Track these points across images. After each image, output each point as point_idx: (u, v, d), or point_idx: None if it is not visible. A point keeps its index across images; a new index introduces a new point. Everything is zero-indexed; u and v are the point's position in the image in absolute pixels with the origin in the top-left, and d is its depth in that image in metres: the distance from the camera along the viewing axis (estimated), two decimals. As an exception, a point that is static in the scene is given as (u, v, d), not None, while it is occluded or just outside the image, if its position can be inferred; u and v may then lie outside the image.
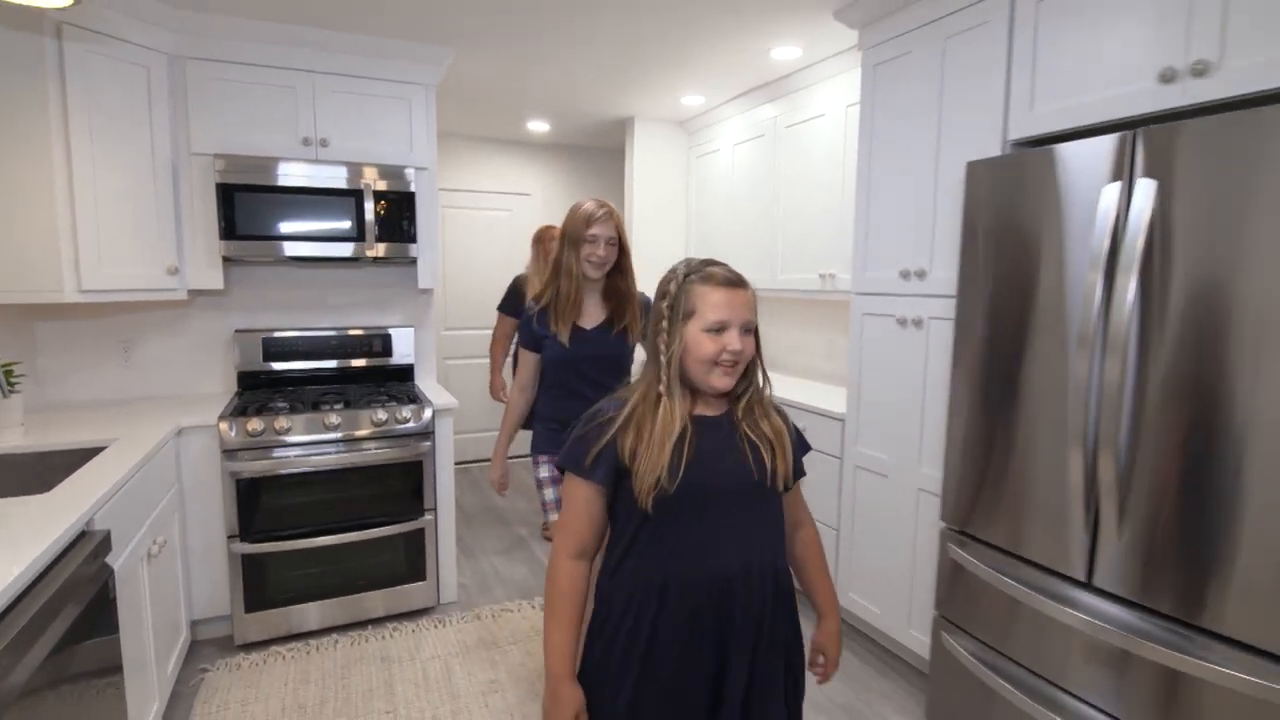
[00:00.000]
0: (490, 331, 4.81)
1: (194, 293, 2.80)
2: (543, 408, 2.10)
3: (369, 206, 2.75)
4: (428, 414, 2.72)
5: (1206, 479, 1.36)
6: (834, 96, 2.99)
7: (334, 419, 2.56)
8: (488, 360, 4.85)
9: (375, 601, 2.69)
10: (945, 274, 2.12)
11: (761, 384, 1.18)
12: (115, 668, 1.59)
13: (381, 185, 2.76)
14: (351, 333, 3.09)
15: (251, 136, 2.63)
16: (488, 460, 5.07)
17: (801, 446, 1.23)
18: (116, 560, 1.64)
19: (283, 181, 2.63)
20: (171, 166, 2.52)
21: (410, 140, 2.88)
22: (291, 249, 2.66)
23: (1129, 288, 1.43)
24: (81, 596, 1.39)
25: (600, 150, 5.12)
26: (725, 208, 3.88)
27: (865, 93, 2.44)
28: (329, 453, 2.55)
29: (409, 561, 2.73)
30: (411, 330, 3.19)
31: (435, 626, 2.70)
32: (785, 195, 3.34)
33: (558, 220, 4.70)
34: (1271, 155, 1.26)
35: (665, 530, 1.10)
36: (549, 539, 3.36)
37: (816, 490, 2.72)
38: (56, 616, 1.27)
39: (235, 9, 2.45)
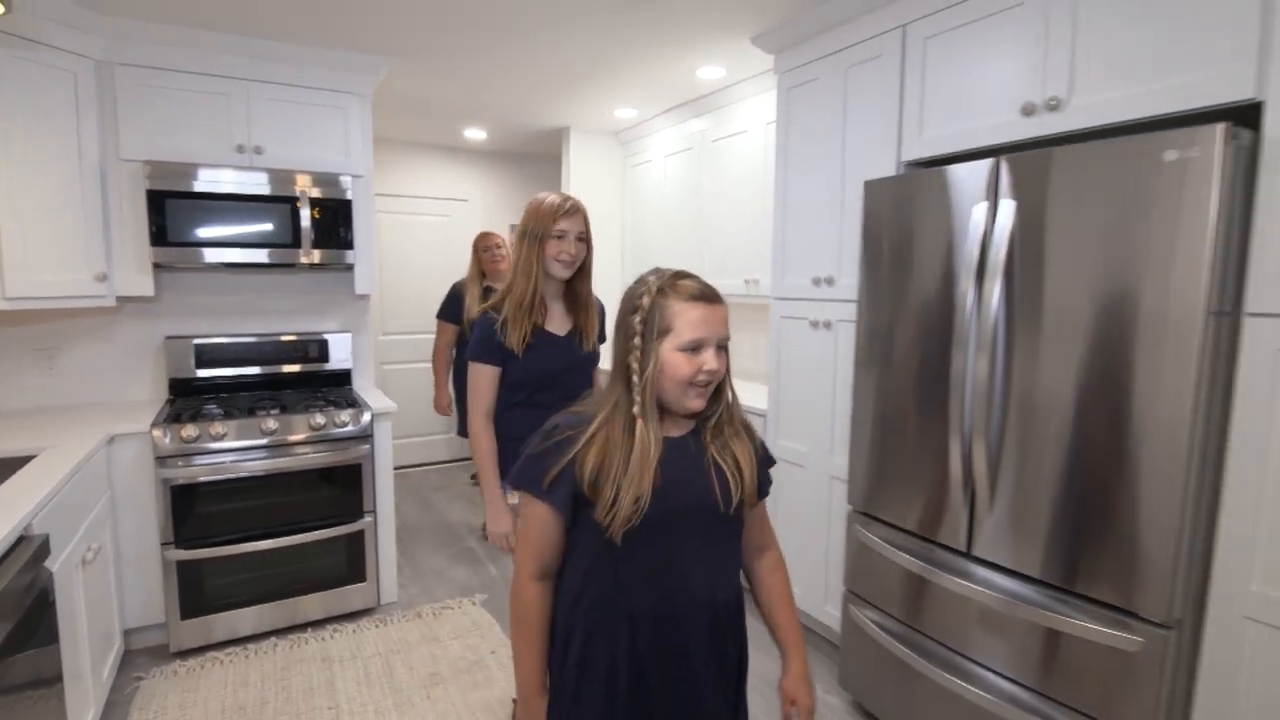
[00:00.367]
0: (432, 336, 4.90)
1: (123, 299, 2.76)
2: (510, 427, 1.79)
3: (304, 213, 2.78)
4: (366, 418, 2.77)
5: (1061, 460, 1.59)
6: (755, 114, 3.19)
7: (271, 424, 2.59)
8: (428, 365, 4.91)
9: (315, 604, 2.72)
10: (851, 281, 2.33)
11: (731, 400, 1.13)
12: (56, 676, 1.61)
13: (317, 192, 2.80)
14: (287, 338, 3.10)
15: (183, 143, 2.63)
16: (427, 464, 5.09)
17: (766, 461, 1.18)
18: (54, 564, 1.66)
19: (215, 188, 2.64)
20: (100, 172, 2.50)
21: (346, 148, 2.93)
22: (224, 255, 2.67)
23: (994, 293, 1.66)
24: (21, 602, 1.42)
25: (538, 157, 5.22)
26: (658, 216, 4.05)
27: (780, 113, 2.64)
28: (265, 458, 2.57)
29: (349, 563, 2.77)
30: (349, 335, 3.23)
31: (376, 626, 2.75)
32: (713, 205, 3.53)
33: (496, 227, 4.78)
34: (1094, 182, 1.49)
35: (630, 558, 1.05)
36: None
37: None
38: None
39: (165, 16, 2.46)
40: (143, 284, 2.63)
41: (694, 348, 1.02)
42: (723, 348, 1.06)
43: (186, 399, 2.89)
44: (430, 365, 3.87)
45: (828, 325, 2.43)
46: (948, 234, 1.83)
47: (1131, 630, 1.48)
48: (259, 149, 2.74)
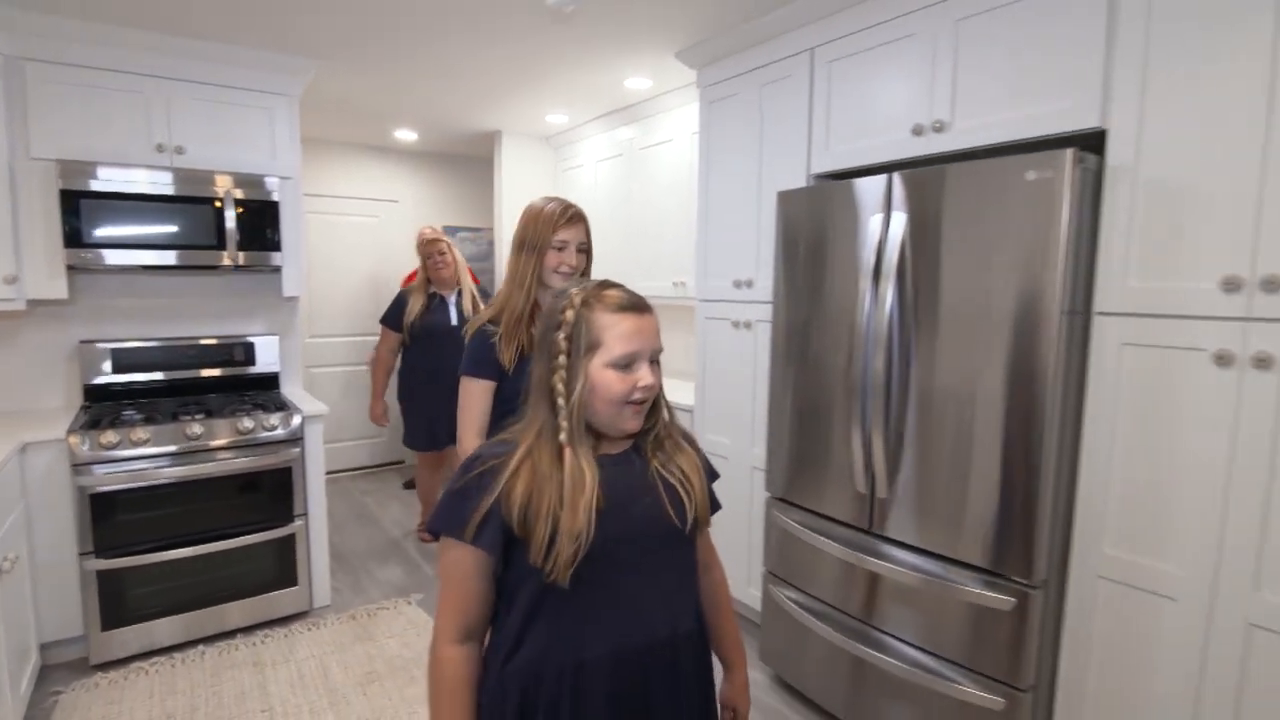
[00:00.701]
0: (361, 339, 4.86)
1: (34, 303, 2.66)
2: None
3: (229, 215, 2.75)
4: (296, 420, 2.76)
5: (946, 445, 1.79)
6: (681, 124, 3.34)
7: (196, 429, 2.55)
8: (356, 368, 4.86)
9: (245, 610, 2.69)
10: (768, 283, 2.50)
11: (669, 415, 1.05)
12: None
13: (241, 194, 2.77)
14: (212, 342, 3.05)
15: (99, 142, 2.56)
16: (357, 469, 5.02)
17: (710, 475, 1.10)
18: (-30, 574, 1.62)
19: (133, 188, 2.57)
20: (9, 171, 2.41)
21: (273, 149, 2.90)
22: (142, 257, 2.61)
23: (888, 295, 1.85)
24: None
25: (470, 159, 5.23)
26: (591, 220, 4.14)
27: (703, 125, 2.79)
28: (190, 463, 2.53)
29: (280, 568, 2.75)
30: (276, 338, 3.19)
31: (309, 630, 2.74)
32: (642, 210, 3.66)
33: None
34: (970, 197, 1.69)
35: (576, 600, 0.93)
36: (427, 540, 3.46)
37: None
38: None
39: (78, 12, 2.39)
40: (55, 287, 2.54)
41: (626, 363, 0.93)
42: (655, 361, 0.98)
43: (103, 405, 2.80)
44: (369, 370, 3.84)
45: (748, 325, 2.59)
46: (852, 241, 2.01)
47: (1006, 591, 1.68)
48: (180, 149, 2.69)
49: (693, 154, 3.25)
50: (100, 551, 2.40)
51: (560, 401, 0.94)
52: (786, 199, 2.22)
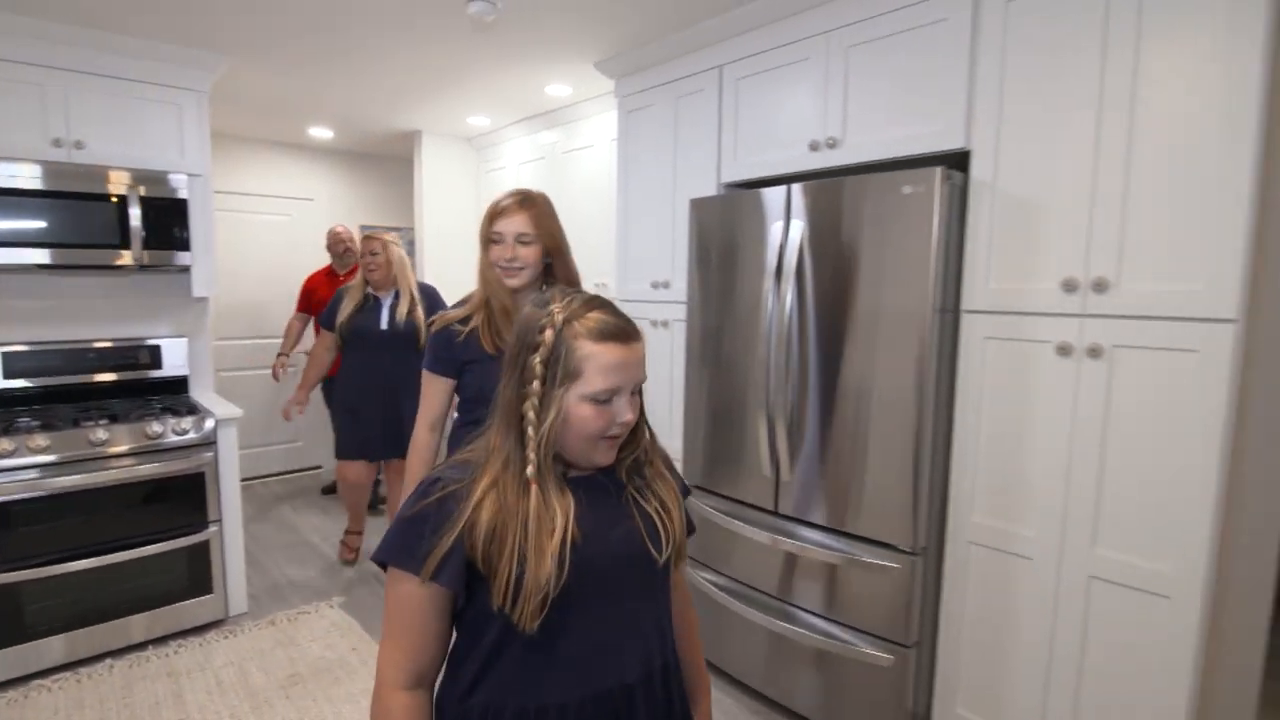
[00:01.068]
0: (275, 341, 4.70)
1: (-91, 304, 2.49)
2: (456, 446, 1.67)
3: (134, 213, 2.66)
4: (209, 424, 2.70)
5: (839, 430, 1.98)
6: (601, 131, 3.45)
7: (100, 434, 2.46)
8: (268, 371, 4.70)
9: (157, 621, 2.60)
10: (683, 284, 2.65)
11: (649, 440, 0.97)
12: None
13: (147, 191, 2.68)
14: (115, 345, 2.92)
15: (-15, 134, 2.43)
16: (272, 475, 4.87)
17: (683, 492, 1.02)
18: None
19: (26, 184, 2.46)
20: (-119, 164, 2.26)
21: (181, 145, 2.82)
22: (38, 256, 2.50)
23: (788, 296, 2.02)
24: None
25: (390, 158, 5.17)
26: (512, 221, 4.20)
27: (621, 133, 2.92)
28: (93, 470, 2.44)
29: (193, 576, 2.68)
30: (185, 341, 3.09)
31: (226, 638, 2.68)
32: (566, 213, 3.71)
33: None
34: (858, 207, 1.89)
35: (541, 642, 0.85)
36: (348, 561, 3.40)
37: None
38: None
39: (-38, -3, 2.27)
40: (-63, 287, 2.40)
41: (606, 398, 0.85)
42: (637, 391, 0.90)
43: (-8, 412, 2.65)
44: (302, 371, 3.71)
45: (665, 324, 2.74)
46: (759, 246, 2.18)
47: (892, 559, 1.88)
48: (80, 144, 2.58)
49: (613, 159, 3.36)
50: (-7, 565, 2.28)
51: (530, 431, 0.85)
52: (699, 206, 2.38)
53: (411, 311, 3.06)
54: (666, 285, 2.73)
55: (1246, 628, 1.95)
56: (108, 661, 2.49)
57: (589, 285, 3.58)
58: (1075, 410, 1.67)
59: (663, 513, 0.94)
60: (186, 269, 2.86)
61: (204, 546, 2.70)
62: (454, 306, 1.71)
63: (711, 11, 2.37)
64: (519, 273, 1.57)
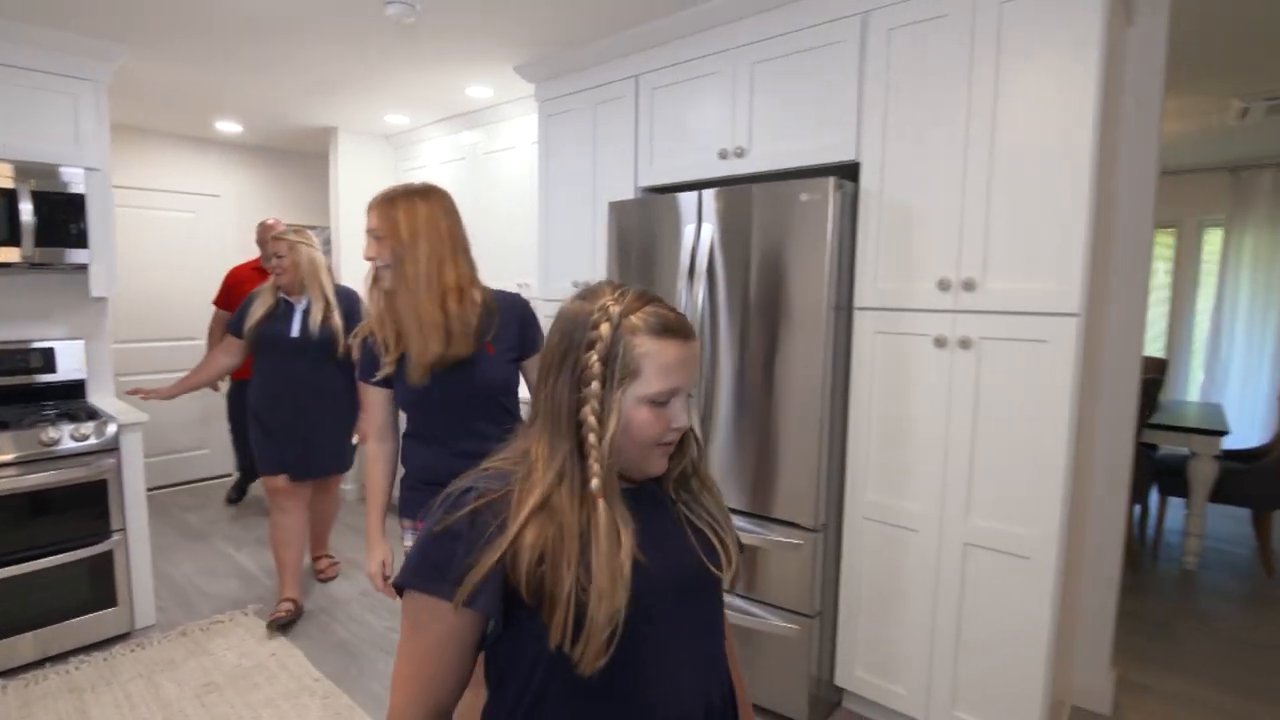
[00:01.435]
0: (177, 343, 4.49)
1: None
2: (404, 457, 1.65)
3: (25, 208, 2.52)
4: (111, 430, 2.59)
5: (749, 420, 2.13)
6: (522, 133, 3.51)
7: (-12, 442, 2.33)
8: (170, 376, 4.48)
9: (57, 636, 2.48)
10: (604, 284, 2.75)
11: (698, 452, 0.90)
12: None
13: (39, 185, 2.55)
14: (3, 348, 2.75)
15: None
16: (177, 484, 4.65)
17: None
18: None
19: (-102, 176, 2.30)
20: None
21: (77, 137, 2.69)
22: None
23: (700, 293, 2.16)
24: None
25: (302, 154, 5.03)
26: (433, 221, 4.18)
27: (541, 136, 2.99)
28: (-16, 479, 2.31)
29: (95, 588, 2.57)
30: (81, 343, 2.94)
31: (133, 651, 2.58)
32: (488, 213, 3.78)
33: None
34: (762, 212, 2.04)
35: (596, 678, 0.73)
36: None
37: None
38: None
39: None
40: None
41: (664, 400, 0.78)
42: (690, 395, 0.83)
43: None
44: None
45: (587, 322, 2.83)
46: (674, 247, 2.30)
47: (797, 536, 2.05)
48: (-40, 134, 2.43)
49: (535, 161, 3.43)
50: None
51: (592, 439, 0.76)
52: (618, 209, 2.48)
53: (327, 318, 2.71)
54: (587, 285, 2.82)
55: (1101, 580, 2.23)
56: (0, 682, 2.35)
57: (512, 286, 3.62)
58: (950, 395, 1.87)
59: (716, 527, 0.87)
60: (84, 267, 2.73)
61: (107, 557, 2.59)
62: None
63: (626, 24, 2.48)
64: (382, 270, 1.53)
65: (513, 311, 1.58)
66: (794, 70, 2.13)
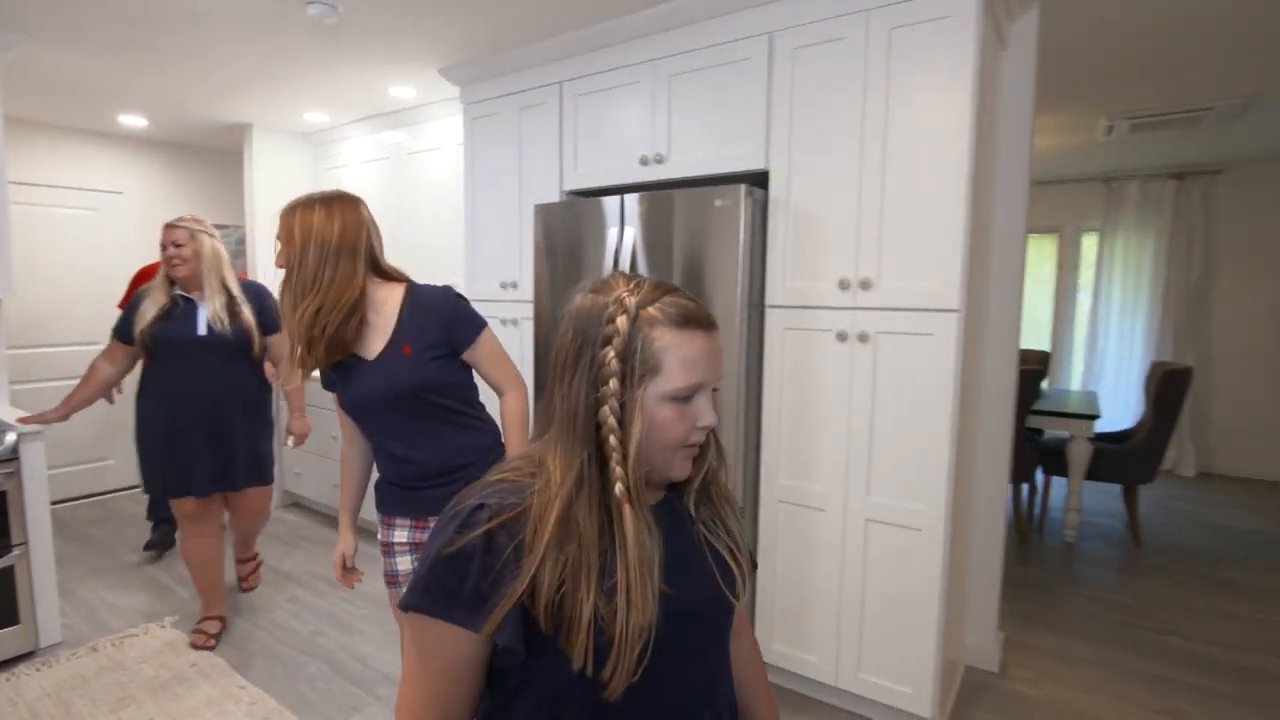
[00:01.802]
0: (75, 348, 4.25)
1: None
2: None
3: (-94, 205, 2.37)
4: (10, 439, 2.47)
5: (670, 410, 2.25)
6: (447, 134, 3.52)
7: None
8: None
9: (-53, 658, 2.35)
10: (530, 284, 2.82)
11: (718, 460, 0.84)
12: None
13: (-77, 181, 2.40)
14: (-121, 354, 2.57)
15: None
16: (82, 498, 4.39)
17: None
18: None
19: None
20: None
21: (-37, 132, 2.55)
22: None
23: (624, 294, 2.27)
24: None
25: (214, 151, 4.84)
26: (356, 221, 4.12)
27: (467, 139, 3.03)
28: None
29: (-6, 605, 2.44)
30: (-29, 348, 2.78)
31: (39, 670, 2.47)
32: (413, 214, 3.77)
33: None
34: (682, 217, 2.17)
35: (609, 704, 0.71)
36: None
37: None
38: None
39: None
40: None
41: (688, 396, 0.73)
42: (714, 390, 0.78)
43: None
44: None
45: (515, 322, 2.89)
46: (599, 249, 2.40)
47: (716, 521, 2.18)
48: None
49: (461, 162, 3.45)
50: None
51: (614, 441, 0.71)
52: (544, 211, 2.56)
53: (237, 314, 2.50)
54: (515, 285, 2.88)
55: (988, 551, 2.47)
56: (-114, 709, 2.21)
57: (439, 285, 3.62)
58: (851, 385, 2.05)
59: (735, 549, 0.82)
60: (-26, 268, 2.58)
61: (8, 573, 2.47)
62: None
63: (549, 33, 2.56)
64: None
65: (432, 309, 1.53)
66: (708, 83, 2.26)
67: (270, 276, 4.00)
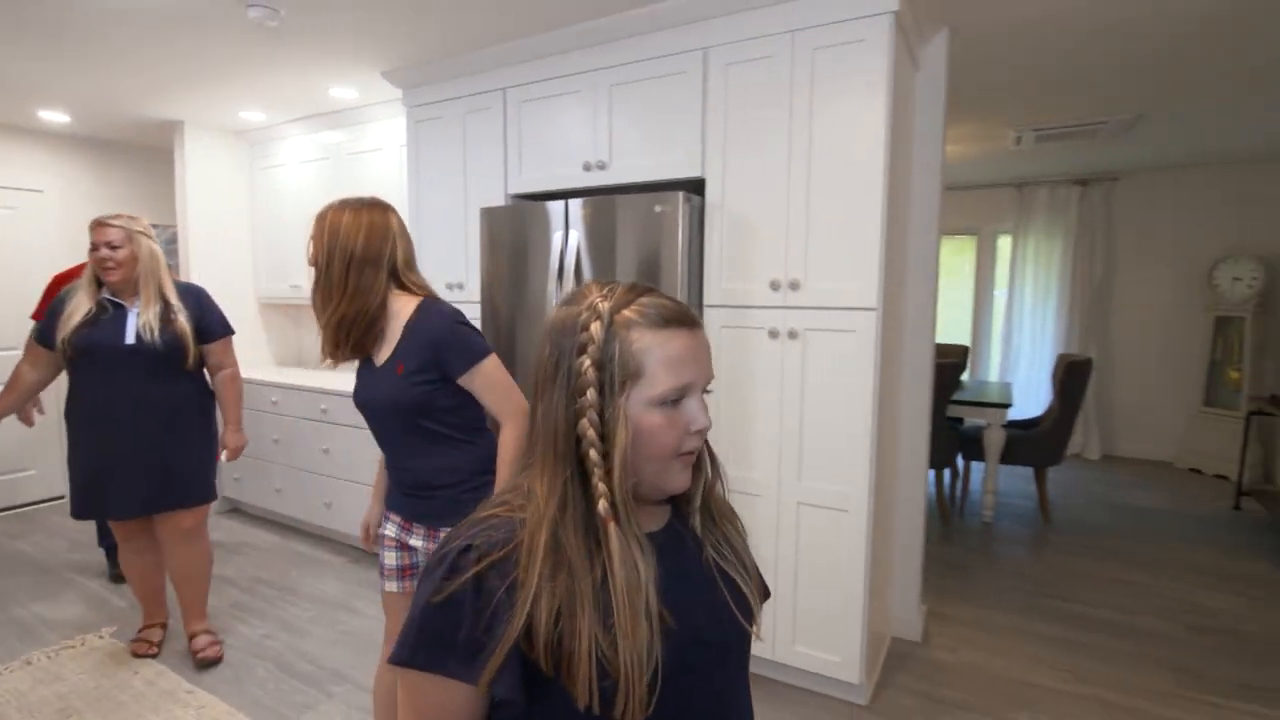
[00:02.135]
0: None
1: None
2: None
3: None
4: (-69, 448, 2.38)
5: (615, 405, 2.36)
6: (390, 135, 3.54)
7: None
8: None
9: None
10: (477, 286, 2.88)
11: (710, 471, 0.79)
12: None
13: None
14: None
15: None
16: (2, 510, 4.20)
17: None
18: None
19: None
20: None
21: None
22: None
23: (569, 295, 2.37)
24: None
25: (143, 149, 4.68)
26: (296, 220, 4.07)
27: (410, 142, 3.06)
28: None
29: (-83, 621, 2.35)
30: (-117, 355, 2.65)
31: (-33, 686, 2.40)
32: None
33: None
34: (624, 221, 2.28)
35: None
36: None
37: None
38: None
39: None
40: None
41: (675, 400, 0.70)
42: (706, 393, 0.74)
43: None
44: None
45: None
46: (544, 251, 2.49)
47: (660, 509, 2.31)
48: None
49: (403, 164, 3.47)
50: None
51: (594, 455, 0.67)
52: (489, 214, 2.63)
53: (170, 321, 2.31)
54: (461, 286, 2.94)
55: (911, 531, 2.67)
56: None
57: (383, 287, 3.63)
58: (782, 379, 2.20)
59: (744, 572, 0.79)
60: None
61: (-70, 587, 2.38)
62: None
63: (494, 40, 2.63)
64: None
65: (425, 333, 1.51)
66: (648, 94, 2.38)
67: (205, 277, 3.91)
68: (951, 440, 3.99)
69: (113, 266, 2.26)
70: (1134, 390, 5.57)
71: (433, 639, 0.65)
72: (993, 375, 6.04)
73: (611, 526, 0.66)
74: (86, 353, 2.27)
